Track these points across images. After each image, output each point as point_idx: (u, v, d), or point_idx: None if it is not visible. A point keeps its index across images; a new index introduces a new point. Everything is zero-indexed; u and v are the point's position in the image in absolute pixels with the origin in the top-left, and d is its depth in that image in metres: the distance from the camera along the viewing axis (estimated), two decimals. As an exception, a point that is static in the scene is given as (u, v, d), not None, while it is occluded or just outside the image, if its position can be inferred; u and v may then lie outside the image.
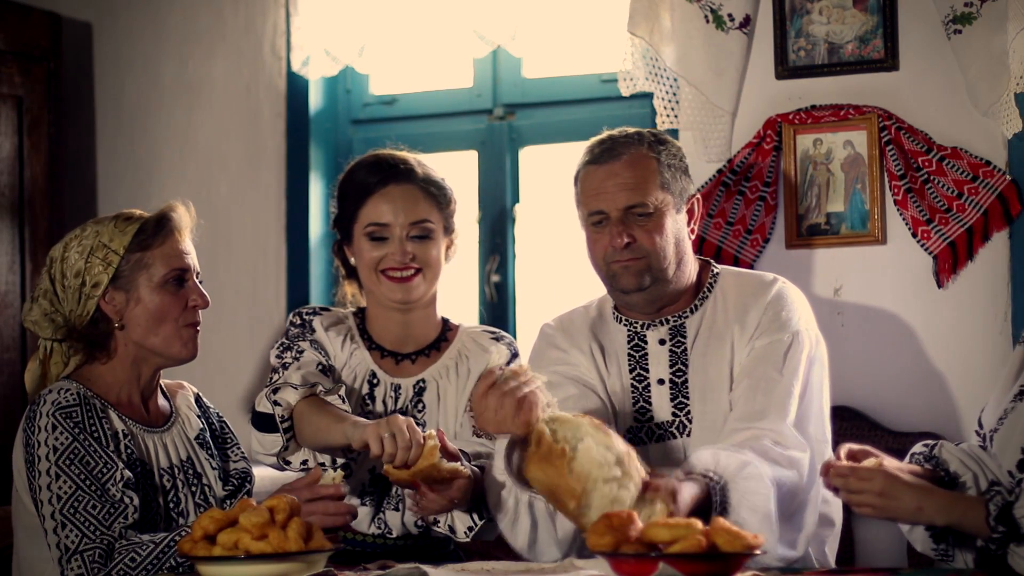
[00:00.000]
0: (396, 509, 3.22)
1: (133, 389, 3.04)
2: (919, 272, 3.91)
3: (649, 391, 3.18)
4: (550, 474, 2.70)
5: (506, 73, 4.61)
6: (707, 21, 4.04)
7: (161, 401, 3.11)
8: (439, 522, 3.10)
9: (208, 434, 3.15)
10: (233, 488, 3.15)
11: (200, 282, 3.08)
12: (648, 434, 3.16)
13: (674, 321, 3.20)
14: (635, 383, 3.19)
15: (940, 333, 3.90)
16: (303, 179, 4.70)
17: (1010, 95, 3.78)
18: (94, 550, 2.82)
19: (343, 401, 3.10)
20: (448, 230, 3.29)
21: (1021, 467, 2.78)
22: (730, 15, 4.04)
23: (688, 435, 3.13)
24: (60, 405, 2.90)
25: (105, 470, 2.87)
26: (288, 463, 3.14)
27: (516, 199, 4.58)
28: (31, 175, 4.73)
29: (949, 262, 3.87)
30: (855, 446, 2.87)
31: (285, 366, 3.18)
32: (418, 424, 2.98)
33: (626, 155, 3.14)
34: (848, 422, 3.82)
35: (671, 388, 3.16)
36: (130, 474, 2.91)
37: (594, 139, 3.21)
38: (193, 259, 3.06)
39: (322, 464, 3.09)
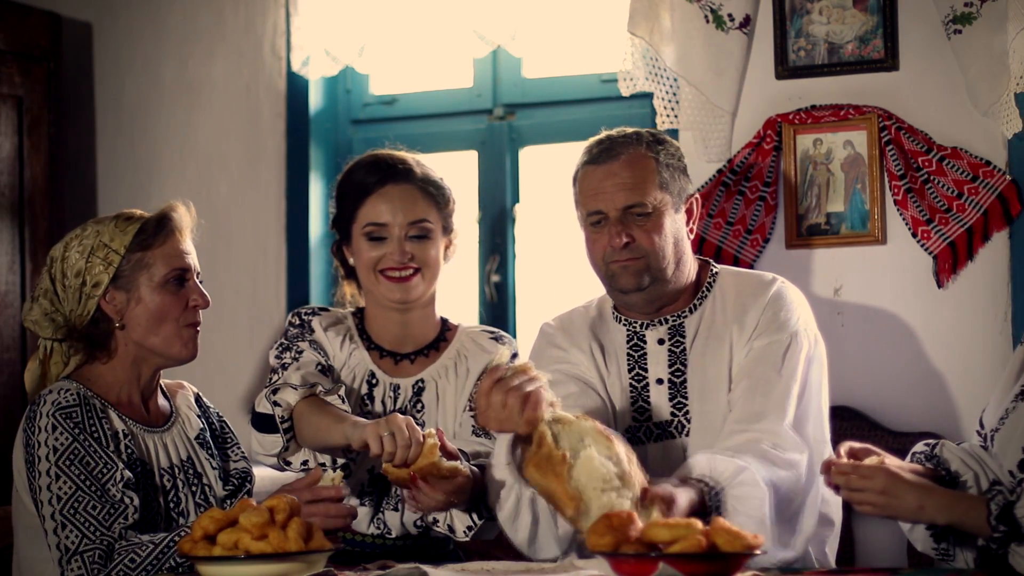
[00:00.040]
0: (395, 509, 3.22)
1: (133, 389, 3.04)
2: (919, 272, 3.91)
3: (648, 391, 3.18)
4: (548, 478, 2.69)
5: (506, 73, 4.60)
6: (707, 21, 4.04)
7: (161, 401, 3.11)
8: (439, 522, 3.10)
9: (208, 434, 3.14)
10: (233, 488, 3.15)
11: (200, 282, 3.07)
12: (647, 433, 3.16)
13: (673, 321, 3.20)
14: (634, 383, 3.19)
15: (940, 333, 3.90)
16: (303, 179, 4.70)
17: (1010, 95, 3.78)
18: (94, 550, 2.82)
19: (343, 401, 3.10)
20: (447, 230, 3.29)
21: (1022, 467, 2.78)
22: (730, 15, 4.03)
23: (687, 435, 3.13)
24: (60, 405, 2.90)
25: (105, 470, 2.87)
26: (288, 463, 3.13)
27: (516, 199, 4.58)
28: (31, 175, 4.73)
29: (949, 262, 3.87)
30: (856, 444, 2.86)
31: (284, 366, 3.18)
32: (417, 424, 2.97)
33: (624, 155, 3.14)
34: (848, 422, 3.82)
35: (670, 388, 3.16)
36: (130, 474, 2.91)
37: (593, 139, 3.21)
38: (193, 259, 3.06)
39: (322, 464, 3.09)
